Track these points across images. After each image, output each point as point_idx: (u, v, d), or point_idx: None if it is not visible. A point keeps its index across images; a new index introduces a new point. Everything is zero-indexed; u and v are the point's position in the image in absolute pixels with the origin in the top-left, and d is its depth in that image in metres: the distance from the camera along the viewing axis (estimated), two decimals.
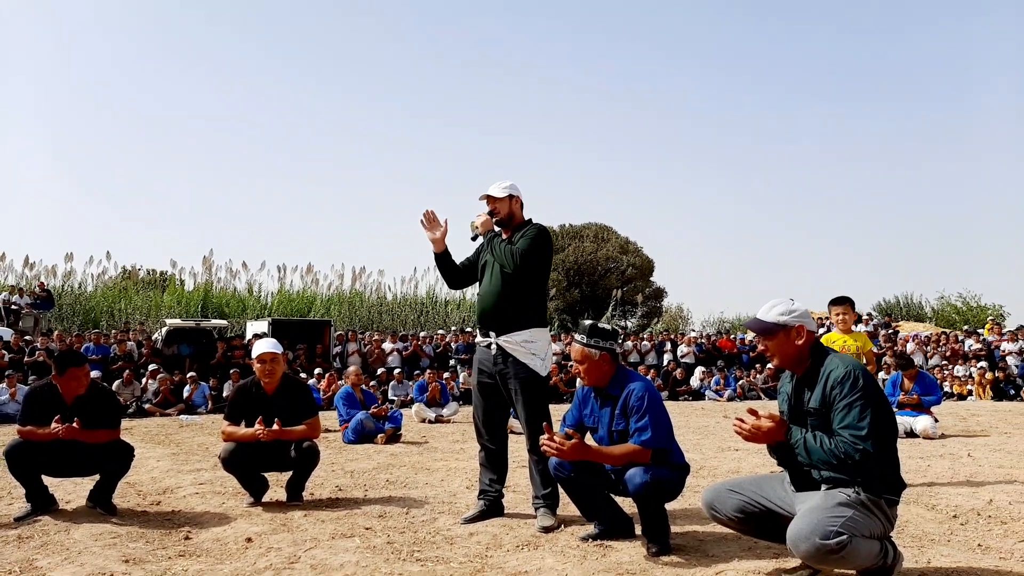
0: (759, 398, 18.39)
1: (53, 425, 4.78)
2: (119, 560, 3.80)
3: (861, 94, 52.47)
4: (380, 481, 6.32)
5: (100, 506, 4.97)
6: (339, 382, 15.85)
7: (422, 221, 4.79)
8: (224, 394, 14.80)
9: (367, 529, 4.48)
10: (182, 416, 13.36)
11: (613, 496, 4.13)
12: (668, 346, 20.93)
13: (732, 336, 23.35)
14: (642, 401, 3.84)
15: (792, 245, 50.42)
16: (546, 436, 3.84)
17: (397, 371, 16.27)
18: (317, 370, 16.34)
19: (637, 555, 3.80)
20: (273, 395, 5.31)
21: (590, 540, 4.04)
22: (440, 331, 21.64)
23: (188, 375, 14.85)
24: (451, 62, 53.01)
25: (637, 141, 54.16)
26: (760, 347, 3.89)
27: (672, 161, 54.57)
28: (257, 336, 16.84)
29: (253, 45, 49.61)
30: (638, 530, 4.03)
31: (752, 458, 7.49)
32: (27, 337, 16.82)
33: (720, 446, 8.60)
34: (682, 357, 20.06)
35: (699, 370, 19.14)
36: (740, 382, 18.86)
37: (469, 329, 20.82)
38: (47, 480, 5.02)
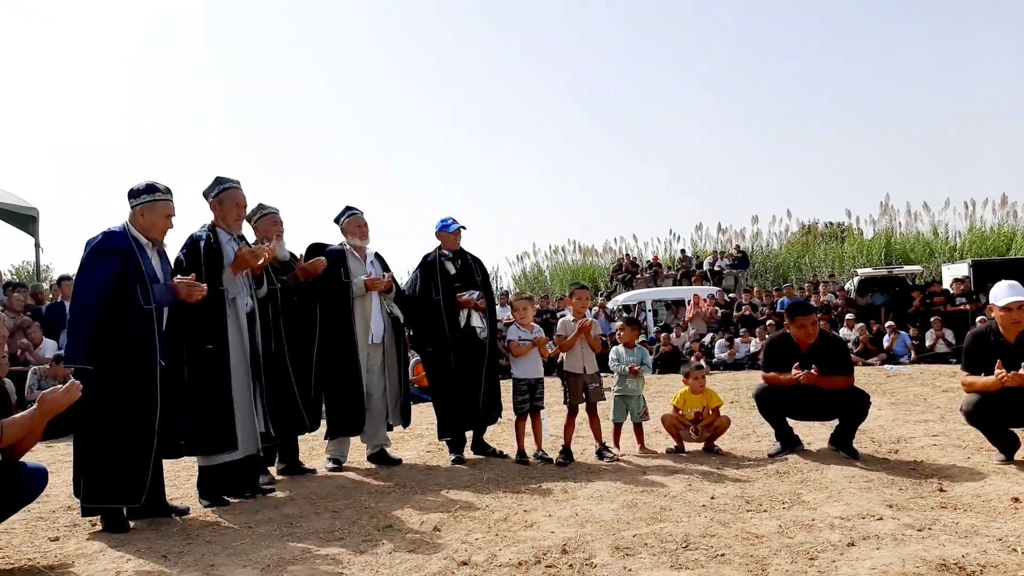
0: None
1: (794, 371, 5.19)
2: (882, 504, 3.88)
3: None
4: None
5: (843, 449, 5.20)
6: None
7: None
8: (927, 343, 14.06)
9: None
10: (886, 366, 13.19)
11: None
12: None
13: None
14: None
15: None
16: None
17: None
18: None
19: None
20: (1016, 343, 4.73)
21: None
22: None
23: (887, 324, 14.57)
24: None
25: None
26: None
27: None
28: (959, 281, 15.46)
29: None
30: None
31: None
32: (731, 295, 18.98)
33: None
34: None
35: None
36: None
37: None
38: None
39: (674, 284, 21.10)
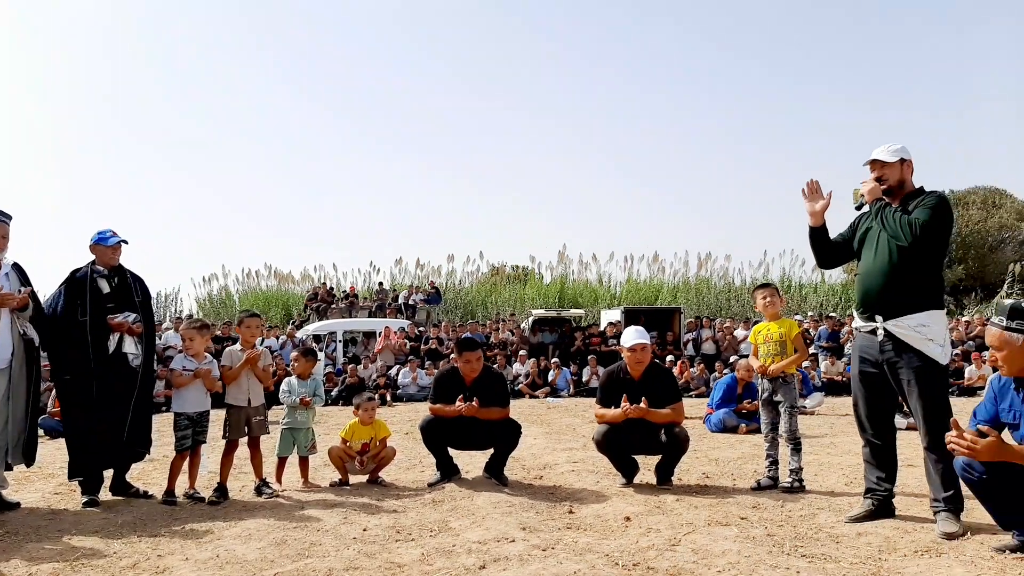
0: None
1: (457, 403, 5.48)
2: (517, 527, 4.22)
3: None
4: (747, 472, 6.18)
5: (495, 477, 5.58)
6: (691, 370, 15.88)
7: (803, 191, 4.56)
8: (583, 379, 15.71)
9: (742, 519, 4.40)
10: (548, 399, 14.49)
11: None
12: None
13: None
14: None
15: None
16: (954, 433, 3.39)
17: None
18: (669, 357, 16.51)
19: None
20: (640, 380, 5.48)
21: (1007, 552, 3.48)
22: (798, 317, 20.43)
23: (552, 360, 16.04)
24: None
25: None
26: None
27: None
28: (612, 324, 17.58)
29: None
30: None
31: None
32: (421, 328, 19.58)
33: None
34: None
35: None
36: None
37: (833, 315, 19.34)
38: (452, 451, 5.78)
39: (369, 315, 21.23)
